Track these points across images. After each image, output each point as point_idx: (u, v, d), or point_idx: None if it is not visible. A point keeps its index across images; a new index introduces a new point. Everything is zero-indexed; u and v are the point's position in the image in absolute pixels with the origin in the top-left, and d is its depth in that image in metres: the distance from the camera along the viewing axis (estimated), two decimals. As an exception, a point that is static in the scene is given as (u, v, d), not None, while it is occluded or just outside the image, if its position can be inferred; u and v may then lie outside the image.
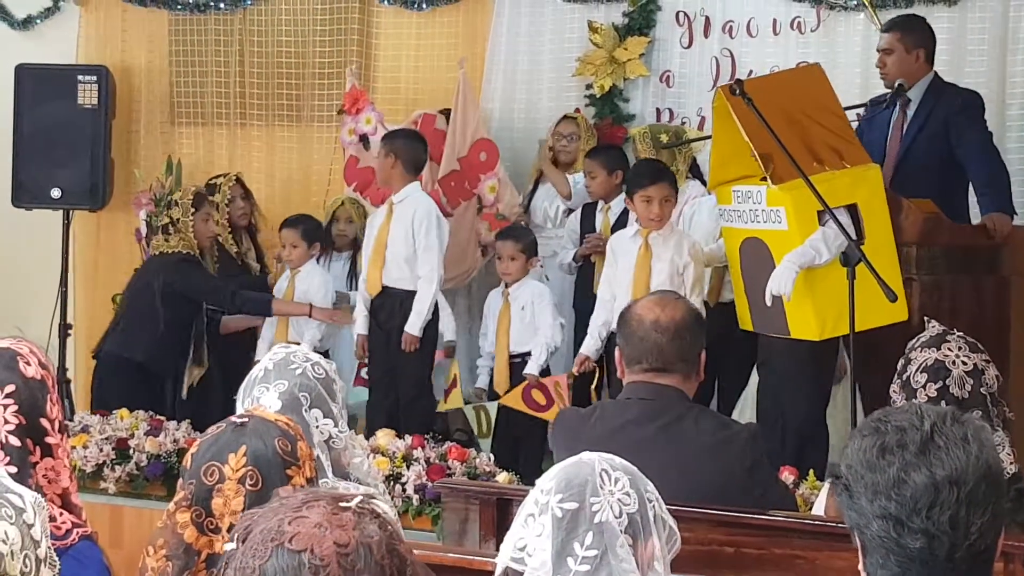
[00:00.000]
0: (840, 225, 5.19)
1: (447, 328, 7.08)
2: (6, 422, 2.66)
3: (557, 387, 6.51)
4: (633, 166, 6.67)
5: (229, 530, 2.40)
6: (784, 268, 5.38)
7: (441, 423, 6.90)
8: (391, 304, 6.75)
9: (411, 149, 6.83)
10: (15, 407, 2.68)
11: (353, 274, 7.41)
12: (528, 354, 6.67)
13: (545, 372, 6.66)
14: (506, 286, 6.81)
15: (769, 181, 5.48)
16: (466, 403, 6.90)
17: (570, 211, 7.35)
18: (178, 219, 6.86)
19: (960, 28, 6.91)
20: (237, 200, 7.42)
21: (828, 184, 5.32)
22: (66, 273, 8.05)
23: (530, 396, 6.57)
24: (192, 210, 6.89)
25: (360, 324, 6.88)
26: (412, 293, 6.69)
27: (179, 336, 7.01)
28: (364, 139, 7.52)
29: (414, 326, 6.64)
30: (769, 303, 5.46)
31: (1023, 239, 5.85)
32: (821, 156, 5.45)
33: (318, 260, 7.26)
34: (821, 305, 5.42)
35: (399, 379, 6.76)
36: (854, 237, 5.28)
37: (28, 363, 2.74)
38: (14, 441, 2.65)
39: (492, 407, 6.73)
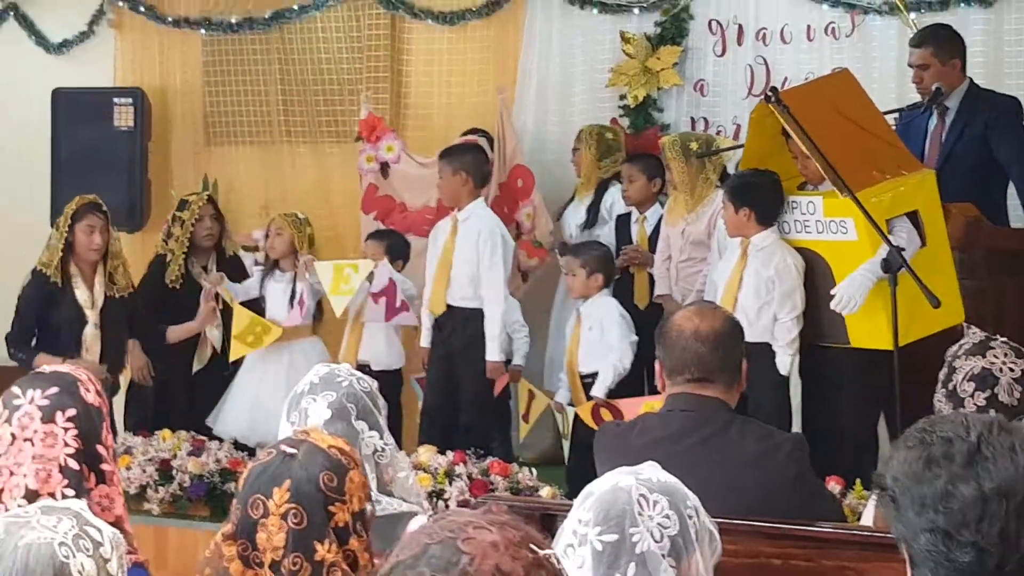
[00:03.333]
0: (915, 227, 5.22)
1: (517, 352, 6.89)
2: (66, 445, 2.67)
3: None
4: None
5: (271, 566, 2.41)
6: (861, 278, 5.33)
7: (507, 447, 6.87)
8: (453, 323, 6.72)
9: (480, 163, 6.82)
10: (75, 431, 2.69)
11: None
12: (596, 375, 6.46)
13: (614, 394, 6.41)
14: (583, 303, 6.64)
15: (814, 188, 5.44)
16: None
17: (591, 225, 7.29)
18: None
19: (997, 30, 6.88)
20: (205, 219, 7.12)
21: (894, 191, 5.32)
22: (106, 295, 8.06)
23: (598, 415, 6.36)
24: (69, 222, 6.52)
25: (424, 337, 6.88)
26: (475, 311, 6.64)
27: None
28: (384, 167, 7.51)
29: (493, 352, 6.61)
30: (837, 308, 5.40)
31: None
32: (881, 164, 5.40)
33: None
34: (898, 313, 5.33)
35: (459, 399, 6.70)
36: (922, 243, 5.31)
37: (88, 389, 2.76)
38: (73, 465, 2.67)
39: (572, 410, 6.57)
